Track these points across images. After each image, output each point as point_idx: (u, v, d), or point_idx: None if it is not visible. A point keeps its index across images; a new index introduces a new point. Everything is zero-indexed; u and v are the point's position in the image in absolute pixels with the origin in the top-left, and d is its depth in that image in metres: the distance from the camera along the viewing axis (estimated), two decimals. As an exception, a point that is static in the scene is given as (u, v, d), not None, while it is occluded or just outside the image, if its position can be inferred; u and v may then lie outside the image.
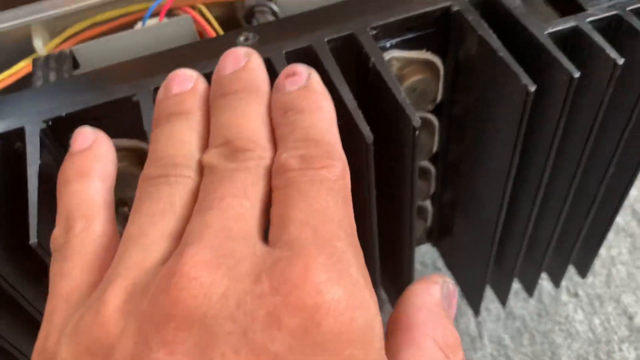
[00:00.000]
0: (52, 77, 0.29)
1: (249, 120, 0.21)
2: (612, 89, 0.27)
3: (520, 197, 0.36)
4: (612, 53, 0.26)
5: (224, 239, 0.17)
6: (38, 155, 0.25)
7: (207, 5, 0.36)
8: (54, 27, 0.35)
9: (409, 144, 0.26)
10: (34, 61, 0.30)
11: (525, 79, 0.25)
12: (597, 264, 0.53)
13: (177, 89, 0.23)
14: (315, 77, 0.22)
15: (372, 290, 0.17)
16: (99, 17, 0.36)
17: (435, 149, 0.37)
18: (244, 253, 0.17)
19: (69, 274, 0.19)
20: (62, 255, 0.20)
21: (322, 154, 0.19)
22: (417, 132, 0.25)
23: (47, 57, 0.31)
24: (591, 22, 0.27)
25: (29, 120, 0.26)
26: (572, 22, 0.27)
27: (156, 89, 0.27)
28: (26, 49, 0.35)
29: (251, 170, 0.19)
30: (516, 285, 0.52)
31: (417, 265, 0.55)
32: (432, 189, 0.41)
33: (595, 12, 0.28)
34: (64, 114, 0.27)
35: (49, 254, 0.23)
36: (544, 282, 0.52)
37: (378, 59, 0.27)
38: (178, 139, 0.21)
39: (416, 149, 0.25)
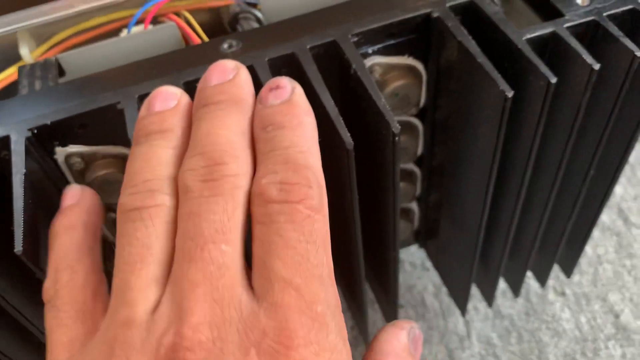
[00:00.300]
0: (38, 85, 0.30)
1: (228, 130, 0.21)
2: (590, 93, 0.28)
3: (503, 198, 0.36)
4: (589, 58, 0.26)
5: (212, 303, 0.18)
6: (23, 164, 0.25)
7: (192, 12, 0.36)
8: (40, 34, 0.35)
9: (389, 149, 0.26)
10: (20, 69, 0.31)
11: (503, 85, 0.26)
12: (584, 263, 0.54)
13: (160, 106, 0.23)
14: (299, 91, 0.22)
15: (347, 346, 0.19)
16: (85, 24, 0.36)
17: (419, 152, 0.37)
18: (233, 318, 0.18)
19: (65, 324, 0.20)
20: (54, 306, 0.21)
21: (301, 181, 0.20)
22: (397, 138, 0.25)
23: (33, 65, 0.31)
24: (568, 27, 0.28)
25: (14, 129, 0.27)
26: (550, 27, 0.28)
27: (140, 97, 0.28)
28: (12, 57, 0.35)
29: (227, 196, 0.20)
30: (503, 285, 0.53)
31: (407, 266, 0.55)
32: (418, 191, 0.41)
33: (573, 18, 0.28)
34: (49, 122, 0.27)
35: (34, 263, 0.24)
36: (531, 282, 0.53)
37: (359, 66, 0.27)
38: (155, 160, 0.22)
39: (397, 154, 0.26)
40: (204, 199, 0.19)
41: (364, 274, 0.34)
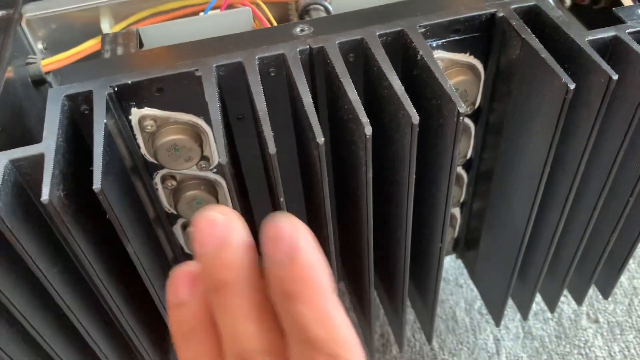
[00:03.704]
0: (120, 51, 0.32)
1: (252, 323, 0.21)
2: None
3: (549, 207, 0.37)
4: (651, 61, 0.27)
5: None
6: (104, 115, 0.27)
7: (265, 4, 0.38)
8: (119, 12, 0.38)
9: (451, 130, 0.27)
10: (103, 36, 0.33)
11: (565, 78, 0.27)
12: (619, 293, 0.54)
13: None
14: (304, 241, 0.21)
15: None
16: (162, 7, 0.38)
17: (469, 154, 0.38)
18: None
19: None
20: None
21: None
22: (461, 118, 0.26)
23: (116, 34, 0.33)
24: (631, 32, 0.29)
25: (96, 85, 0.28)
26: (612, 31, 0.29)
27: (218, 67, 0.29)
28: (92, 32, 0.37)
29: None
30: (536, 307, 0.53)
31: (439, 281, 0.55)
32: (463, 197, 0.42)
33: (635, 25, 0.29)
34: (129, 81, 0.29)
35: (108, 201, 0.25)
36: (565, 306, 0.53)
37: (426, 52, 0.29)
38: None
39: (459, 135, 0.27)
40: None
41: (409, 265, 0.35)
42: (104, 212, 0.26)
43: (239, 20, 0.34)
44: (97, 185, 0.24)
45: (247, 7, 0.35)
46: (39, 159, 0.25)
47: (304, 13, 0.36)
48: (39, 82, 0.35)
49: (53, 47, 0.38)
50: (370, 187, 0.28)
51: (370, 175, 0.27)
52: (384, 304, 0.46)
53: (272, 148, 0.25)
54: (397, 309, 0.40)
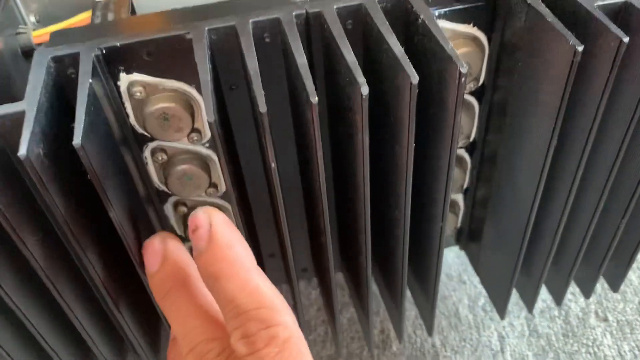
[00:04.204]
0: (110, 17, 0.31)
1: (196, 318, 0.24)
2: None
3: (556, 190, 0.36)
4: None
5: None
6: (89, 75, 0.26)
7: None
8: (114, -14, 0.37)
9: (453, 95, 0.26)
10: (95, 4, 0.32)
11: (573, 40, 0.25)
12: (629, 292, 0.52)
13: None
14: (218, 223, 0.24)
15: None
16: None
17: (473, 136, 0.37)
18: None
19: None
20: None
21: (260, 326, 0.22)
22: (464, 79, 0.25)
23: (107, 1, 0.32)
24: (641, -2, 0.28)
25: (84, 48, 0.27)
26: (621, -3, 0.28)
27: (210, 30, 0.28)
28: (86, 7, 0.36)
29: None
30: (542, 304, 0.51)
31: (443, 277, 0.54)
32: (466, 182, 0.40)
33: (645, -9, 0.28)
34: (118, 44, 0.28)
35: (88, 159, 0.24)
36: (572, 304, 0.51)
37: (427, 15, 0.27)
38: None
39: (461, 98, 0.26)
40: None
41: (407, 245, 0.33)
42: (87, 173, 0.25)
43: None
44: (77, 140, 0.23)
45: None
46: (19, 116, 0.24)
47: (302, -15, 0.35)
48: (30, 53, 0.34)
49: (46, 21, 0.37)
50: (367, 155, 0.27)
51: (367, 140, 0.26)
52: (384, 296, 0.44)
53: (262, 107, 0.24)
54: (396, 298, 0.39)
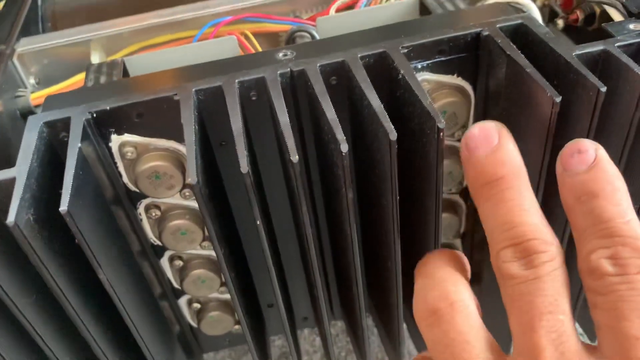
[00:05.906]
0: (103, 79, 0.32)
1: (526, 213, 0.22)
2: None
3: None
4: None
5: None
6: (79, 139, 0.27)
7: (253, 35, 0.38)
8: (110, 47, 0.38)
9: (434, 149, 0.26)
10: (88, 67, 0.33)
11: (550, 91, 0.26)
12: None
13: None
14: (603, 154, 0.22)
15: None
16: (151, 41, 0.38)
17: (465, 182, 0.37)
18: None
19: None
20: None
21: (633, 254, 0.20)
22: (442, 134, 0.25)
23: (100, 64, 0.33)
24: (620, 46, 0.28)
25: (75, 112, 0.28)
26: (600, 45, 0.28)
27: (197, 91, 0.29)
28: (84, 67, 0.38)
29: (551, 276, 0.21)
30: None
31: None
32: (463, 227, 0.40)
33: (625, 39, 0.28)
34: (108, 107, 0.28)
35: (76, 225, 0.24)
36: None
37: (407, 71, 0.28)
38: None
39: (441, 152, 0.26)
40: (531, 282, 0.21)
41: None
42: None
43: (224, 48, 0.34)
44: (63, 206, 0.24)
45: (233, 35, 0.35)
46: (9, 184, 0.25)
47: (290, 40, 0.36)
48: (28, 116, 0.35)
49: (46, 82, 0.38)
50: (352, 209, 0.27)
51: (350, 195, 0.26)
52: (385, 343, 0.44)
53: (243, 167, 0.24)
54: (394, 345, 0.38)
